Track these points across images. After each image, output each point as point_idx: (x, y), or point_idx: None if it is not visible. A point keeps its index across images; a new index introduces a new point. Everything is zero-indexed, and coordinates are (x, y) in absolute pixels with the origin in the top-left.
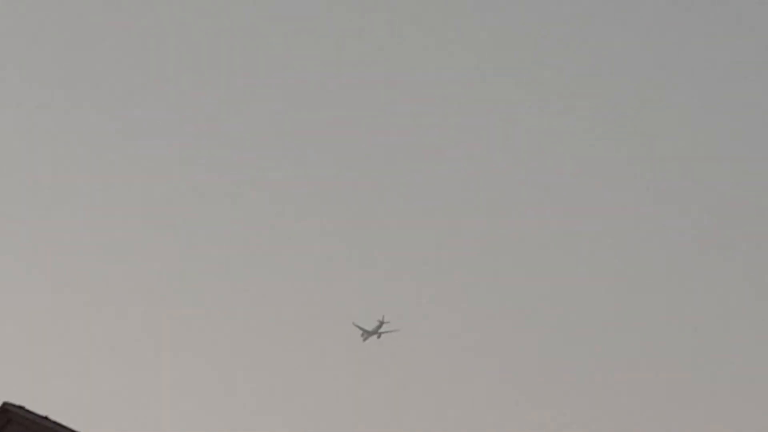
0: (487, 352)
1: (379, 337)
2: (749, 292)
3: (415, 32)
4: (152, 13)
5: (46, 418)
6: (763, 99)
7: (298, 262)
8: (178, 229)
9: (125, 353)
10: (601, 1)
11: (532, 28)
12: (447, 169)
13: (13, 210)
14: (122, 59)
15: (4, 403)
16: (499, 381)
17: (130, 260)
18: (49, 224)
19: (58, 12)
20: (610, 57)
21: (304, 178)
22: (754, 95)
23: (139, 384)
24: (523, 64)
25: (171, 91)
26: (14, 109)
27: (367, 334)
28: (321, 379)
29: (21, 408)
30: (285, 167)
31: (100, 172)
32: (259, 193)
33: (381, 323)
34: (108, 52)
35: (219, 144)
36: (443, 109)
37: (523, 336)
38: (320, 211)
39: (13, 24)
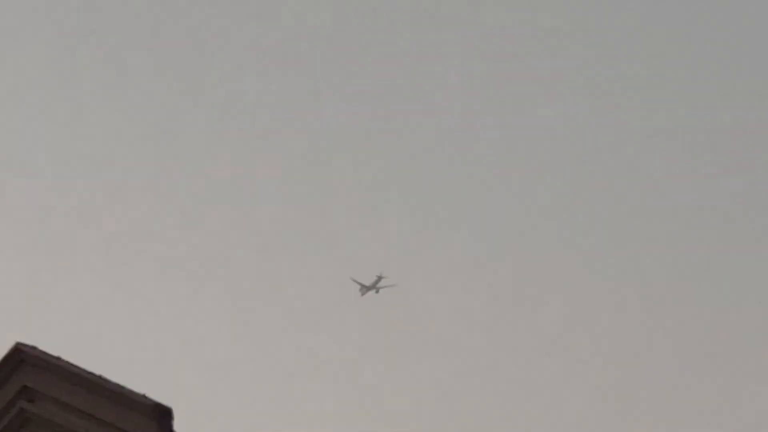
0: (488, 310)
1: (377, 292)
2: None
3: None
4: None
5: (59, 358)
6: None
7: (296, 217)
8: (176, 180)
9: (133, 293)
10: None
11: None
12: (449, 119)
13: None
14: None
15: (17, 344)
16: (498, 340)
17: (137, 195)
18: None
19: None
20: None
21: (302, 127)
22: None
23: (146, 324)
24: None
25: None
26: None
27: (365, 289)
28: (319, 334)
29: (33, 348)
30: (285, 118)
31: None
32: (257, 146)
33: (379, 278)
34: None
35: (216, 97)
36: (443, 65)
37: (525, 291)
38: (320, 165)
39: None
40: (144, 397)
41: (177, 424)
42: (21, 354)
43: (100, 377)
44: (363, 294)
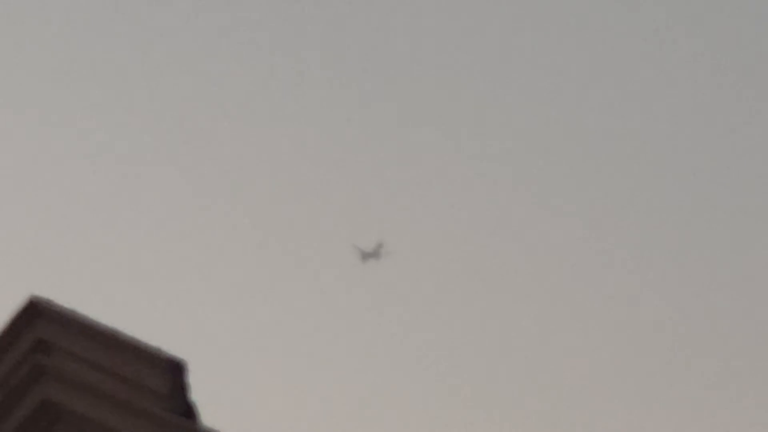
0: (491, 279)
1: (378, 259)
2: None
3: None
4: None
5: (74, 311)
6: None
7: (296, 180)
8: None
9: (147, 248)
10: None
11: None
12: (460, 83)
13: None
14: None
15: (32, 297)
16: (503, 309)
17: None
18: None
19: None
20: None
21: (303, 86)
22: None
23: (160, 278)
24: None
25: None
26: None
27: (366, 255)
28: (319, 302)
29: (49, 301)
30: (284, 77)
31: None
32: (257, 112)
33: (381, 244)
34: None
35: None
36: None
37: (534, 260)
38: (321, 125)
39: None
40: (158, 350)
41: (191, 377)
42: (36, 307)
43: (115, 330)
44: (364, 261)
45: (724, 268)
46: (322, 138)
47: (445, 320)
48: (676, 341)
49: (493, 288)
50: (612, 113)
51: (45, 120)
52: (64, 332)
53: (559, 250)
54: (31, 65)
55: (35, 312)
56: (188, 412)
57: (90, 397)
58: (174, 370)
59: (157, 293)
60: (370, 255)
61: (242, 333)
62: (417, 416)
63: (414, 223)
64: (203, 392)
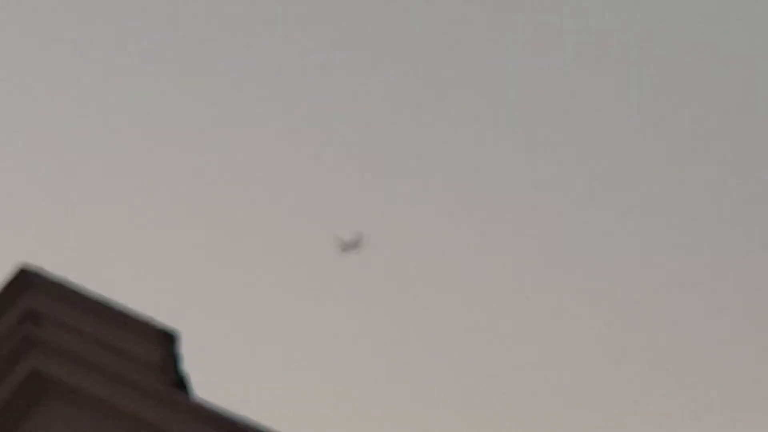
0: (473, 270)
1: (358, 249)
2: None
3: None
4: None
5: (64, 281)
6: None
7: (279, 170)
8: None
9: (140, 221)
10: None
11: None
12: (446, 69)
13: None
14: None
15: (22, 265)
16: (485, 300)
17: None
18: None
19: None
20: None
21: (290, 74)
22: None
23: (150, 249)
24: None
25: None
26: None
27: (346, 246)
28: (298, 292)
29: (39, 270)
30: (274, 67)
31: None
32: (245, 99)
33: (361, 234)
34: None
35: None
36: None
37: (519, 250)
38: (308, 115)
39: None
40: (150, 321)
41: (183, 348)
42: (26, 276)
43: (105, 301)
44: (343, 251)
45: (724, 268)
46: (304, 130)
47: (425, 311)
48: (676, 341)
49: (474, 280)
50: (608, 113)
51: (36, 93)
52: (54, 302)
53: (546, 241)
54: (28, 56)
55: (25, 281)
56: (180, 383)
57: (80, 368)
58: (166, 341)
59: (149, 264)
60: (349, 245)
61: (232, 307)
62: (395, 406)
63: (393, 214)
64: (195, 363)
